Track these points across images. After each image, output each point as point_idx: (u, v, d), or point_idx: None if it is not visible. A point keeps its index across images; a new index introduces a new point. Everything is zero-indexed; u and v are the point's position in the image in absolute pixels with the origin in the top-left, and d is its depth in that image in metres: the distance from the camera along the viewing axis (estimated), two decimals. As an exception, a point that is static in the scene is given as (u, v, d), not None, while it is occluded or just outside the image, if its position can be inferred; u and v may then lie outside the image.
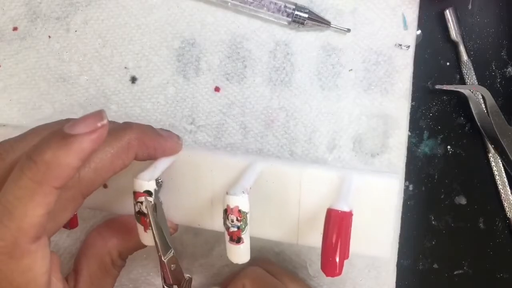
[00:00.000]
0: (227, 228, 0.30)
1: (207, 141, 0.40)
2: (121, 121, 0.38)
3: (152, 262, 0.41)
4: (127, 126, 0.31)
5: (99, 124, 0.24)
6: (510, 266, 0.43)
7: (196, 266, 0.40)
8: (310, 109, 0.40)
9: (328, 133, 0.40)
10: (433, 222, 0.42)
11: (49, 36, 0.39)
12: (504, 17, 0.42)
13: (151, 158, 0.32)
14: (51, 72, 0.39)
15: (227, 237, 0.30)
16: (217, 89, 0.40)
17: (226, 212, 0.29)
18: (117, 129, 0.30)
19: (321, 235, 0.29)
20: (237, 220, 0.29)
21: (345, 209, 0.28)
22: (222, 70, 0.40)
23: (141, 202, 0.30)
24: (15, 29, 0.39)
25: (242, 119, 0.40)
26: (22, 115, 0.39)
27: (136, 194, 0.31)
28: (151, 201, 0.30)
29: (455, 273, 0.43)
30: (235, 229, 0.29)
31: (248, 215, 0.29)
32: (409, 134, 0.41)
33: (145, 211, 0.31)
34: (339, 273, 0.28)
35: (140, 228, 0.32)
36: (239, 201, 0.29)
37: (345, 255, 0.29)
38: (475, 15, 0.42)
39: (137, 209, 0.31)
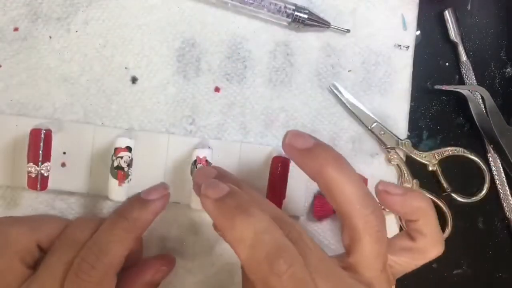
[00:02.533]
0: None
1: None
2: (121, 121, 0.39)
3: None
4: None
5: (165, 192, 0.34)
6: (509, 265, 0.43)
7: (196, 265, 0.40)
8: (310, 109, 0.40)
9: (328, 133, 0.40)
10: (432, 222, 0.42)
11: (50, 37, 0.39)
12: (503, 18, 0.42)
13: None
14: (51, 72, 0.39)
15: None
16: (217, 89, 0.40)
17: (195, 162, 0.36)
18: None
19: None
20: None
21: (286, 156, 0.36)
22: (222, 71, 0.40)
23: (121, 157, 0.35)
24: (16, 29, 0.39)
25: (242, 119, 0.40)
26: (22, 115, 0.39)
27: (117, 150, 0.35)
28: (129, 156, 0.36)
29: (454, 272, 0.43)
30: None
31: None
32: (409, 134, 0.41)
33: (124, 166, 0.35)
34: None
35: (114, 183, 0.36)
36: (207, 153, 0.36)
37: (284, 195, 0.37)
38: (474, 15, 0.42)
39: (115, 164, 0.35)
